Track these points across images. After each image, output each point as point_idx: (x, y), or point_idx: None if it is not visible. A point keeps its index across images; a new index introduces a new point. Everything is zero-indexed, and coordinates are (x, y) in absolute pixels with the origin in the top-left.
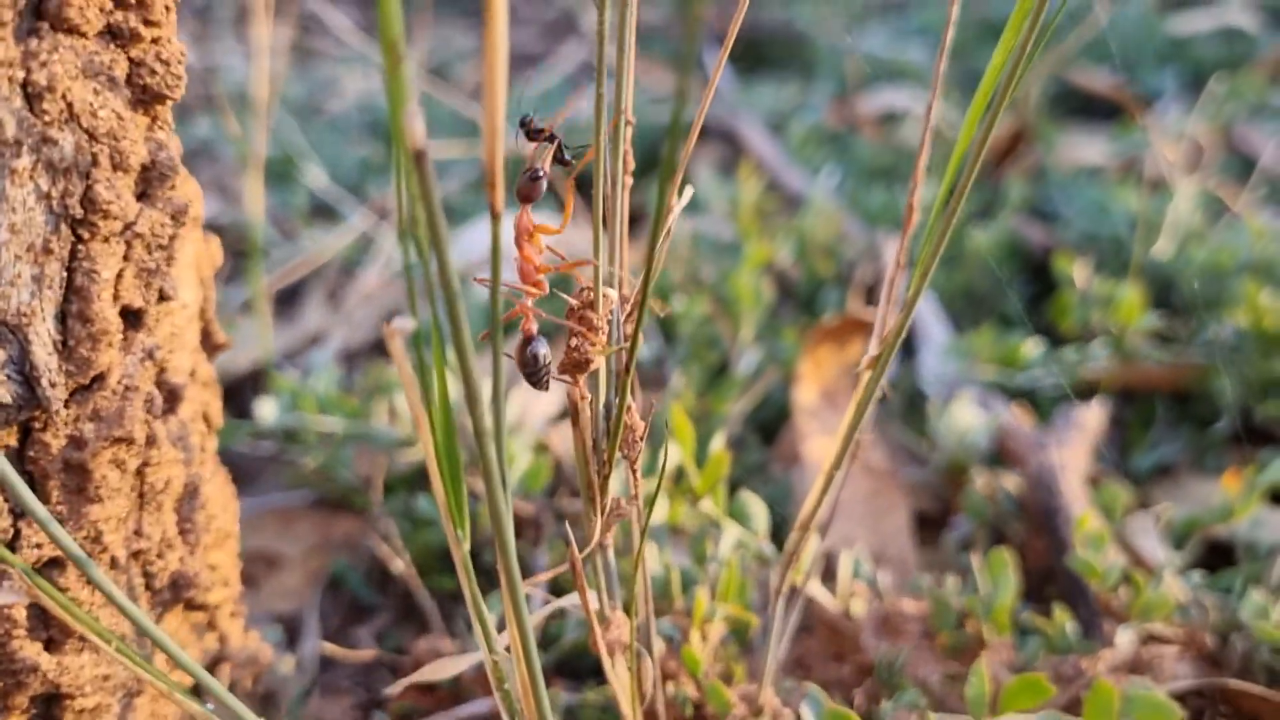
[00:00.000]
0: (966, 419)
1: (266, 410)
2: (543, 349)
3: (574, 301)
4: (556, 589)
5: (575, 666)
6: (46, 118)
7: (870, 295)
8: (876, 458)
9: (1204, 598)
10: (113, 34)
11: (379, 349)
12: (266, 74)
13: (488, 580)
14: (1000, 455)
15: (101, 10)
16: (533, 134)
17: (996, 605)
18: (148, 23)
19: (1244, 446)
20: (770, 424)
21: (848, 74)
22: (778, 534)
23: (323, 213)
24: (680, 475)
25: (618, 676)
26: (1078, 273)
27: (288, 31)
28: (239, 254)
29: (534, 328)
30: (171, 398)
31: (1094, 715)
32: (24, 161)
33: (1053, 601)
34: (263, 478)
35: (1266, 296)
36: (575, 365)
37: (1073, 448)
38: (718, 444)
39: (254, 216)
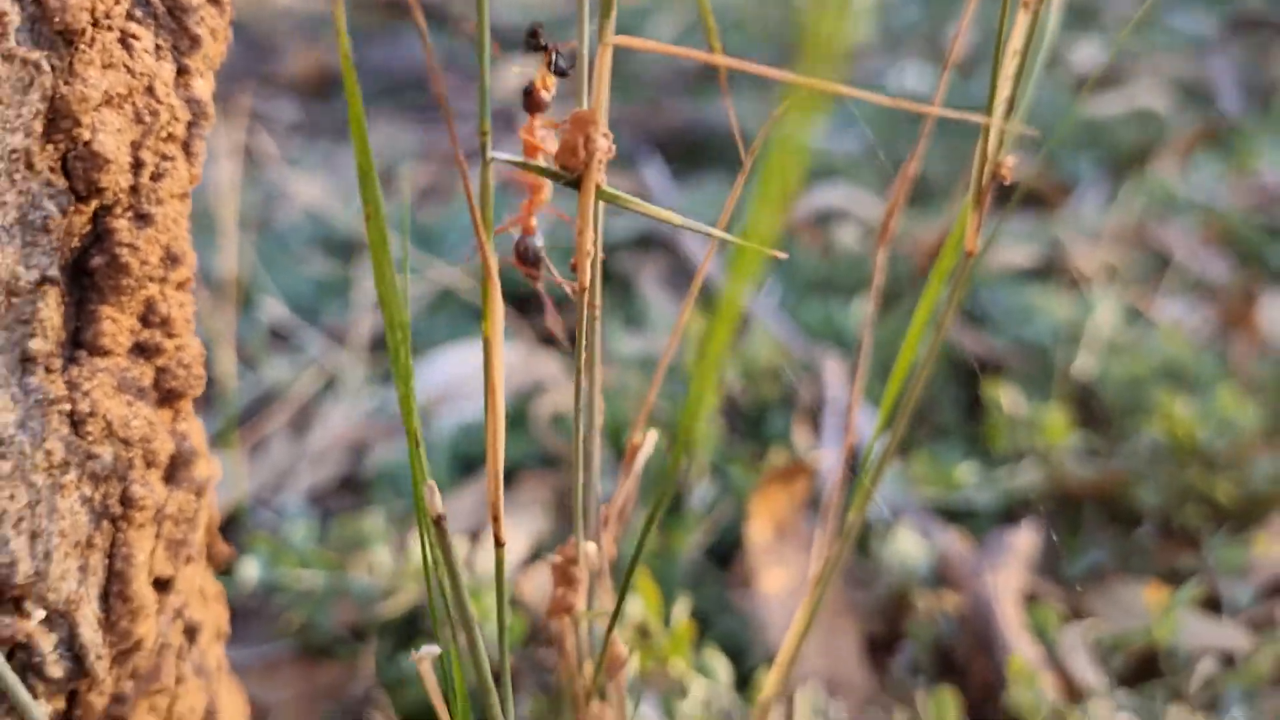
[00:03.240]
0: (909, 547)
1: (249, 571)
2: (538, 243)
3: (558, 557)
4: None
5: None
6: (90, 438)
7: (813, 419)
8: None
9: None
10: (141, 349)
11: (346, 486)
12: (234, 204)
13: None
14: (942, 579)
15: (131, 332)
16: (533, 47)
17: None
18: (170, 335)
19: (1164, 549)
20: (726, 551)
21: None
22: (742, 681)
23: (281, 338)
24: (646, 630)
25: None
26: (1005, 397)
27: (237, 135)
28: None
29: (534, 224)
30: (191, 634)
31: None
32: (71, 476)
33: None
34: (247, 628)
35: (1180, 406)
36: (561, 609)
37: (1006, 572)
38: (682, 611)
39: (226, 365)
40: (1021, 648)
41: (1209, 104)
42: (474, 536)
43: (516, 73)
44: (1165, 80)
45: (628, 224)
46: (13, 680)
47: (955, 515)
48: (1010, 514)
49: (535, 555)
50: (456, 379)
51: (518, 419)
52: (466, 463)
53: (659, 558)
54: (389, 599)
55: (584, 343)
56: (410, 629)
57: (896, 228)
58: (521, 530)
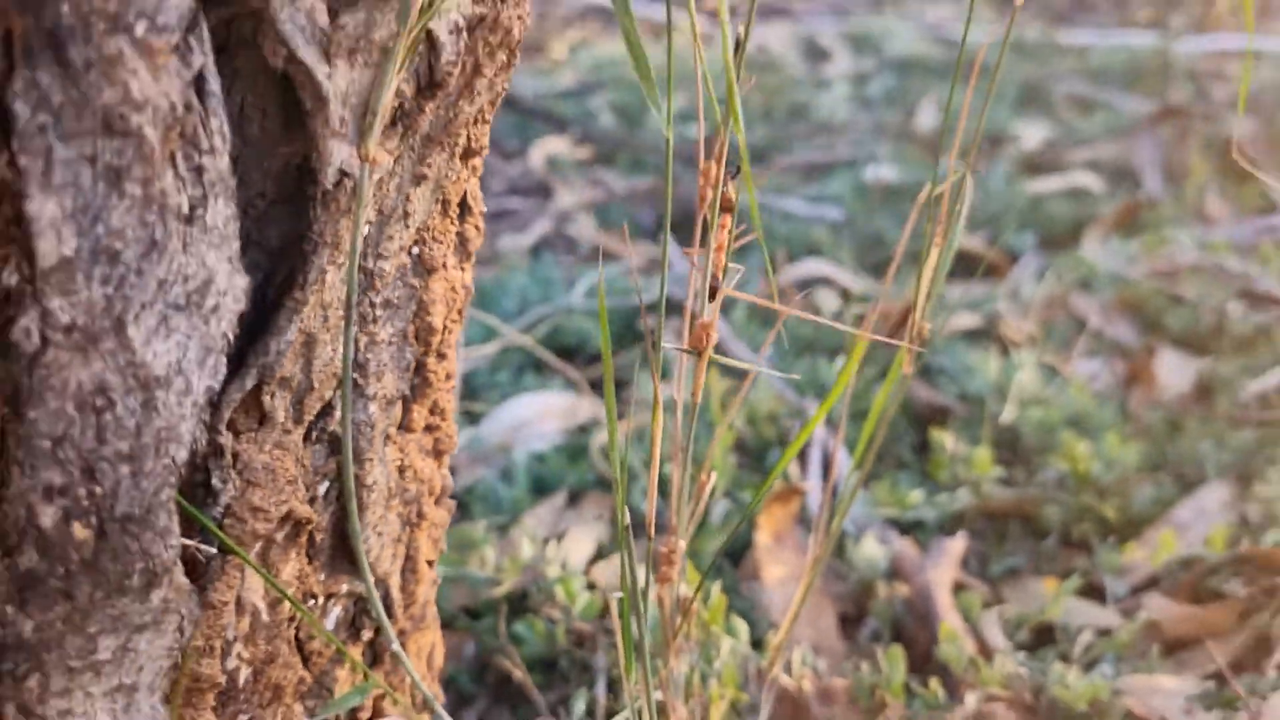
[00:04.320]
0: (873, 551)
1: None
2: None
3: (664, 548)
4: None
5: None
6: (406, 479)
7: (803, 455)
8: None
9: (1024, 671)
10: (428, 428)
11: None
12: None
13: (564, 679)
14: (896, 573)
15: (424, 418)
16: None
17: (894, 682)
18: (443, 420)
19: (1063, 554)
20: (738, 553)
21: (777, 242)
22: (754, 644)
23: None
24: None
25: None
26: (947, 440)
27: None
28: None
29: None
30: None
31: None
32: (395, 501)
33: (930, 675)
34: None
35: (1080, 447)
36: (664, 579)
37: (942, 569)
38: (716, 590)
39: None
40: (951, 620)
41: (1137, 184)
42: (545, 541)
43: None
44: (1100, 161)
45: (651, 295)
46: (379, 607)
47: (907, 528)
48: (948, 527)
49: (598, 554)
50: (526, 419)
51: (578, 451)
52: (540, 485)
53: (691, 556)
54: (496, 586)
55: (692, 423)
56: (514, 607)
57: (872, 321)
58: (589, 536)
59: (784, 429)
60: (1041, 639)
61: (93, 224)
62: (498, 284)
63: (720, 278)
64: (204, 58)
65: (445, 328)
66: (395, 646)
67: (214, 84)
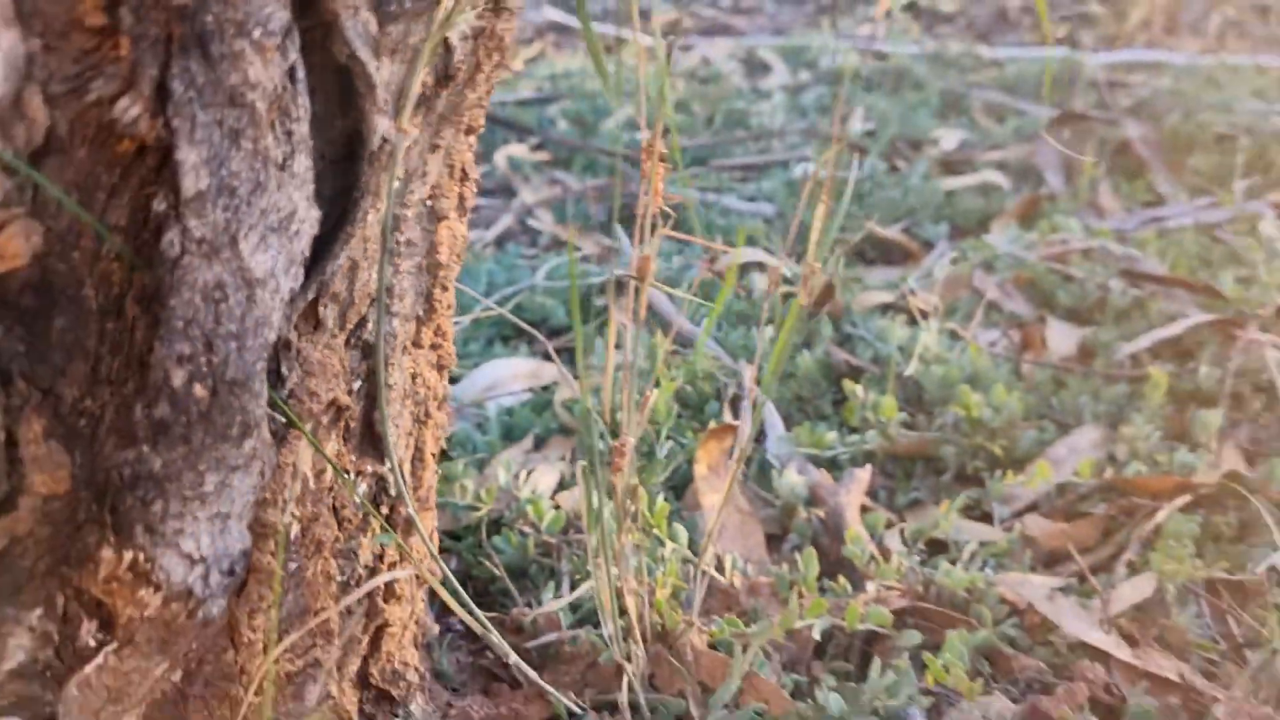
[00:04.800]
0: (794, 479)
1: None
2: None
3: (618, 444)
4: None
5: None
6: (417, 384)
7: (734, 406)
8: (742, 503)
9: (916, 567)
10: (433, 346)
11: None
12: None
13: (533, 584)
14: (813, 499)
15: (430, 338)
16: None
17: (808, 578)
18: (445, 339)
19: (957, 487)
20: (680, 485)
21: (716, 234)
22: (692, 547)
23: None
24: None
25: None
26: (858, 391)
27: None
28: None
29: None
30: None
31: (850, 618)
32: (409, 401)
33: (839, 575)
34: None
35: (973, 397)
36: (617, 469)
37: (852, 494)
38: (660, 501)
39: None
40: (857, 530)
41: (1040, 181)
42: (516, 476)
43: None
44: (1008, 161)
45: (601, 277)
46: (400, 478)
47: (823, 463)
48: (859, 463)
49: (561, 486)
50: (497, 381)
51: (542, 405)
52: (509, 433)
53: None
54: (474, 512)
55: (635, 346)
56: (491, 528)
57: (778, 285)
58: (553, 471)
59: (720, 385)
60: (934, 551)
61: (219, 168)
62: (466, 270)
63: (659, 217)
64: (295, 54)
65: (448, 264)
66: (411, 510)
67: (301, 73)
